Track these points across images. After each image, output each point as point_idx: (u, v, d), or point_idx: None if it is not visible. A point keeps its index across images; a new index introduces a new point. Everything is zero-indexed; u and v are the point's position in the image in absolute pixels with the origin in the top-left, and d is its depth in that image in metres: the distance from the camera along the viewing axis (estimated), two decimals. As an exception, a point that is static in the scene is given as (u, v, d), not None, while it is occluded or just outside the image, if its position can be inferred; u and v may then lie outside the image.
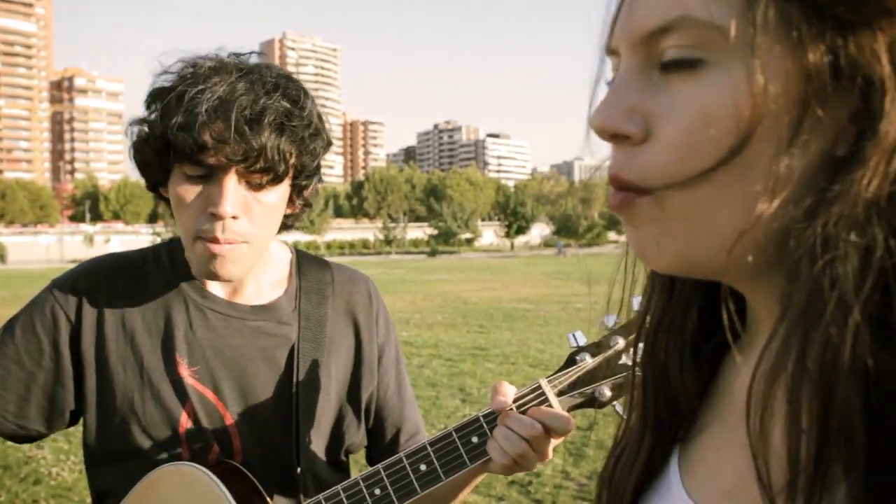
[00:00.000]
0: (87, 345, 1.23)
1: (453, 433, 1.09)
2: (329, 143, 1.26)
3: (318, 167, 1.26)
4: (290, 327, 1.30)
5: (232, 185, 1.13)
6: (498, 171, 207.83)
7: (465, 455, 1.08)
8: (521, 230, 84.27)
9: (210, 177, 1.14)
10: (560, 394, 1.08)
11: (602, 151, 0.57)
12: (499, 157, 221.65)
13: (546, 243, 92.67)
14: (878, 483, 0.45)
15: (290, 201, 1.26)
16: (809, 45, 0.46)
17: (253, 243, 1.18)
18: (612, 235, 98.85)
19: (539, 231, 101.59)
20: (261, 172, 1.14)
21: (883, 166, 0.46)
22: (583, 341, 1.09)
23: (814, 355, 0.46)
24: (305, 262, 1.39)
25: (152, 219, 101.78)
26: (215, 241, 1.14)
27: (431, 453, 1.09)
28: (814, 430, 0.46)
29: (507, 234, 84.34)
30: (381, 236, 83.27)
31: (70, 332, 1.23)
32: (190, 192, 1.14)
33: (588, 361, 1.08)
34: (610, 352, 1.07)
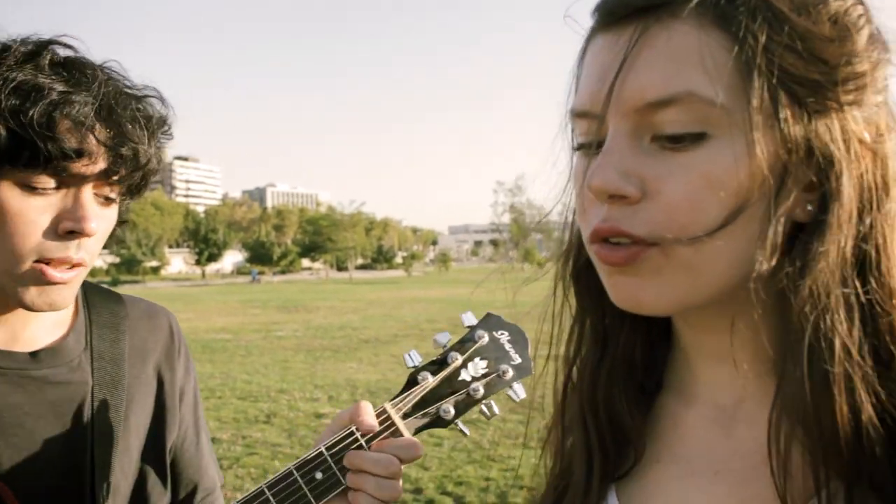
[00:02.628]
0: None
1: (294, 472, 0.98)
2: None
3: None
4: (83, 371, 1.08)
5: (90, 196, 0.95)
6: (187, 196, 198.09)
7: (309, 495, 0.97)
8: (213, 257, 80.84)
9: (60, 187, 0.93)
10: (405, 416, 1.03)
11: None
12: (188, 182, 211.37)
13: (239, 270, 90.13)
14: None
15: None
16: (793, 125, 0.55)
17: (88, 266, 0.99)
18: (305, 262, 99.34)
19: (232, 258, 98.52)
20: (123, 183, 0.98)
21: (846, 229, 0.56)
22: (418, 360, 1.06)
23: (825, 393, 0.54)
24: (93, 294, 1.18)
25: None
26: (62, 264, 0.94)
27: (271, 497, 0.97)
28: (827, 454, 0.55)
29: (199, 262, 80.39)
30: (51, 265, 74.46)
31: None
32: (30, 206, 0.92)
33: (430, 380, 1.04)
34: (449, 369, 1.04)
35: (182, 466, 1.21)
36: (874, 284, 0.56)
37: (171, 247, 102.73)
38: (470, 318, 1.07)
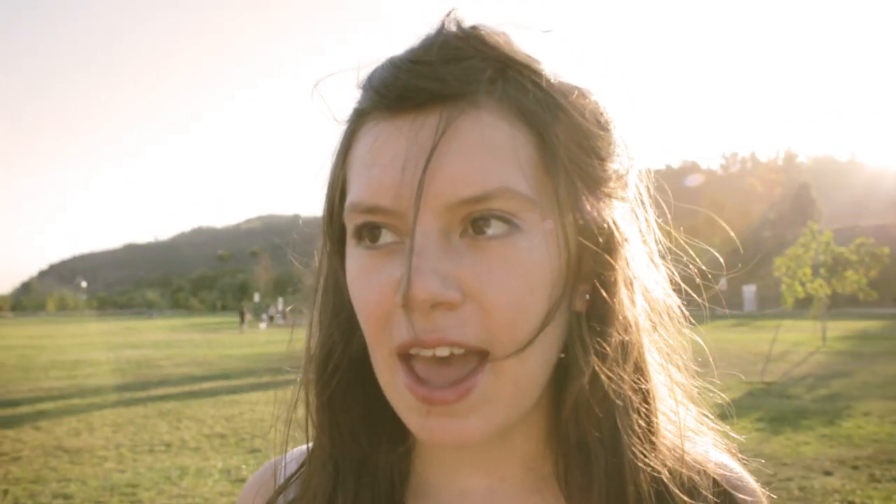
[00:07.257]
0: None
1: None
2: None
3: None
4: None
5: None
6: None
7: None
8: None
9: None
10: None
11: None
12: None
13: None
14: None
15: None
16: (588, 214, 0.56)
17: None
18: None
19: None
20: None
21: (626, 315, 0.59)
22: None
23: (618, 482, 0.58)
24: None
25: None
26: None
27: None
28: None
29: None
30: None
31: None
32: None
33: None
34: None
35: None
36: (639, 373, 0.60)
37: None
38: None
